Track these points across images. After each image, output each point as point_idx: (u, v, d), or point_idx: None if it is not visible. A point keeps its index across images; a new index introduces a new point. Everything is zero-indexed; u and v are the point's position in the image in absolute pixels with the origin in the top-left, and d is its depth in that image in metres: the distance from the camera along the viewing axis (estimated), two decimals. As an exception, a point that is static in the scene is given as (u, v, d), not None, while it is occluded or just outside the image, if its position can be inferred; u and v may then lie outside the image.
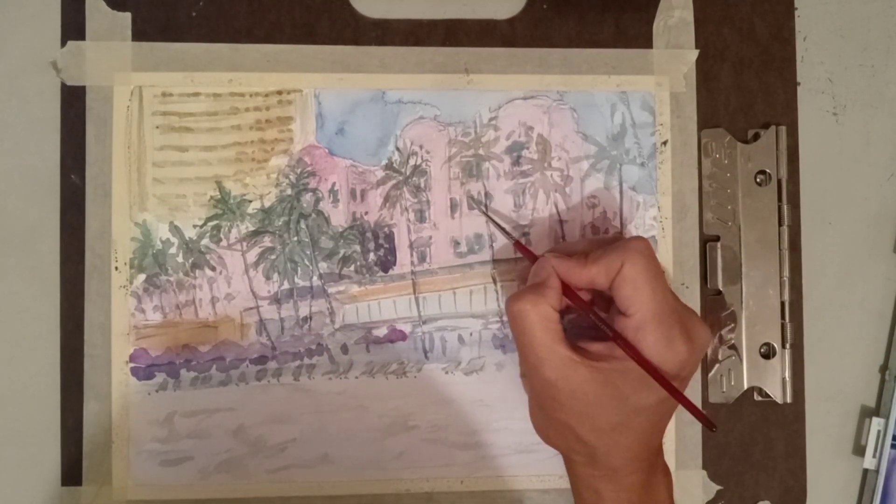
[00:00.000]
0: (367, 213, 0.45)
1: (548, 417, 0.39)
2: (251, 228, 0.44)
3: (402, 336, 0.44)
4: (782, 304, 0.45)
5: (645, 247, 0.38)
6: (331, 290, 0.44)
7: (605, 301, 0.41)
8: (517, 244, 0.43)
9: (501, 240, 0.45)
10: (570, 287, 0.39)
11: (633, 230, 0.45)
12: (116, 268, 0.43)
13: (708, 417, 0.38)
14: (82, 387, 0.43)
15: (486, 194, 0.45)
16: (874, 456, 0.46)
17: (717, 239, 0.45)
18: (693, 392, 0.45)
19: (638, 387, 0.37)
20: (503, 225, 0.44)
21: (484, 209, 0.44)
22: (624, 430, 0.38)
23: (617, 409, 0.38)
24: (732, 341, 0.45)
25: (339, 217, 0.44)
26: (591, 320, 0.39)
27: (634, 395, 0.37)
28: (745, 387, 0.45)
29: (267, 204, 0.44)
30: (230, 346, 0.44)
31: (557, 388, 0.37)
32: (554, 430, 0.40)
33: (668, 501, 0.40)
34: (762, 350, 0.45)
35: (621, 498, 0.39)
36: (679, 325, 0.38)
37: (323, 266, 0.44)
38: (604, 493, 0.39)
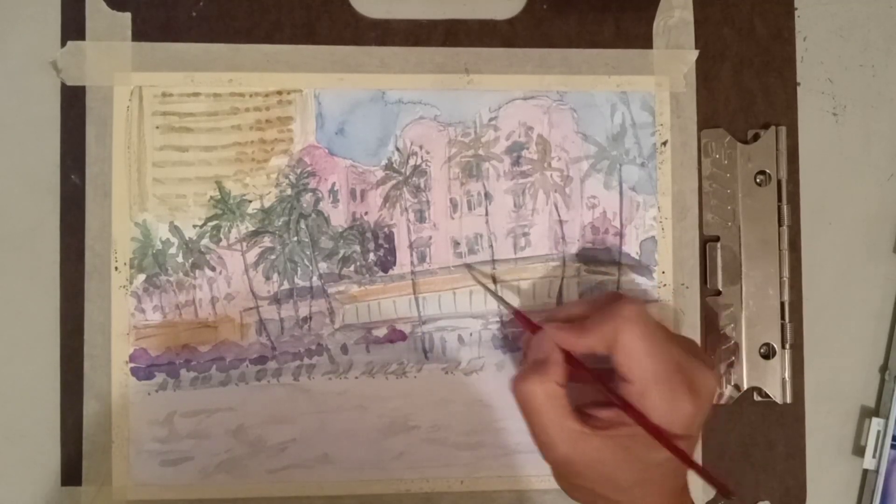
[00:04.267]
0: (366, 213, 0.45)
1: (570, 485, 0.40)
2: (251, 228, 0.44)
3: (402, 336, 0.44)
4: (782, 304, 0.45)
5: (636, 313, 0.37)
6: (331, 290, 0.44)
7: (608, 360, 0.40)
8: (517, 314, 0.42)
9: (501, 240, 0.45)
10: (573, 356, 0.39)
11: (633, 230, 0.45)
12: (116, 268, 0.43)
13: (722, 482, 0.37)
14: (82, 387, 0.43)
15: (486, 194, 0.45)
16: (874, 456, 0.46)
17: (717, 239, 0.45)
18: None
19: (650, 447, 0.37)
20: (500, 295, 0.44)
21: (481, 281, 0.44)
22: (645, 483, 0.38)
23: (634, 468, 0.38)
24: (732, 341, 0.45)
25: (338, 217, 0.44)
26: (598, 388, 0.38)
27: (648, 454, 0.37)
28: (745, 387, 0.45)
29: (267, 204, 0.44)
30: (230, 347, 0.44)
31: (573, 461, 0.37)
32: (578, 493, 0.40)
33: None
34: (762, 350, 0.45)
35: None
36: (683, 382, 0.37)
37: (323, 266, 0.44)
38: None
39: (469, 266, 0.45)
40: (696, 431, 0.39)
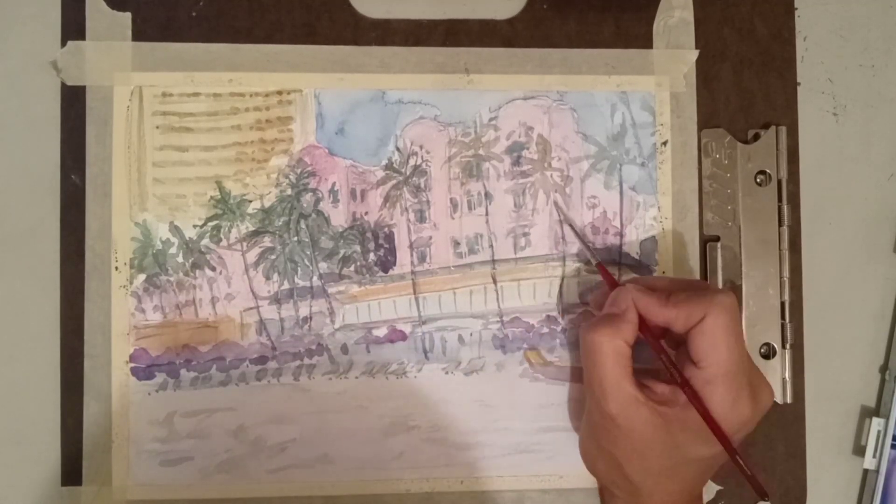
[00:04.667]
0: (367, 213, 0.45)
1: (599, 449, 0.40)
2: (251, 228, 0.44)
3: (402, 336, 0.44)
4: (782, 304, 0.45)
5: (731, 303, 0.37)
6: (331, 290, 0.44)
7: (675, 337, 0.40)
8: (600, 267, 0.42)
9: (501, 240, 0.45)
10: (646, 323, 0.39)
11: (633, 230, 0.45)
12: (116, 268, 0.43)
13: (760, 484, 0.38)
14: (82, 387, 0.43)
15: (487, 194, 0.45)
16: (874, 456, 0.46)
17: (718, 239, 0.45)
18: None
19: (694, 438, 0.37)
20: (589, 245, 0.44)
21: (571, 226, 0.44)
22: (672, 475, 0.38)
23: (669, 455, 0.38)
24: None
25: (339, 217, 0.44)
26: (662, 361, 0.39)
27: (689, 445, 0.38)
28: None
29: (267, 204, 0.44)
30: (230, 346, 0.44)
31: (616, 423, 0.38)
32: (602, 462, 0.40)
33: None
34: (762, 350, 0.45)
35: None
36: (748, 385, 0.37)
37: (323, 266, 0.44)
38: None
39: (559, 208, 0.44)
40: (738, 440, 0.39)
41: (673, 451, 0.38)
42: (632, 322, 0.38)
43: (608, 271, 0.43)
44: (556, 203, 0.44)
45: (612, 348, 0.37)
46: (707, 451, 0.38)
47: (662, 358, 0.39)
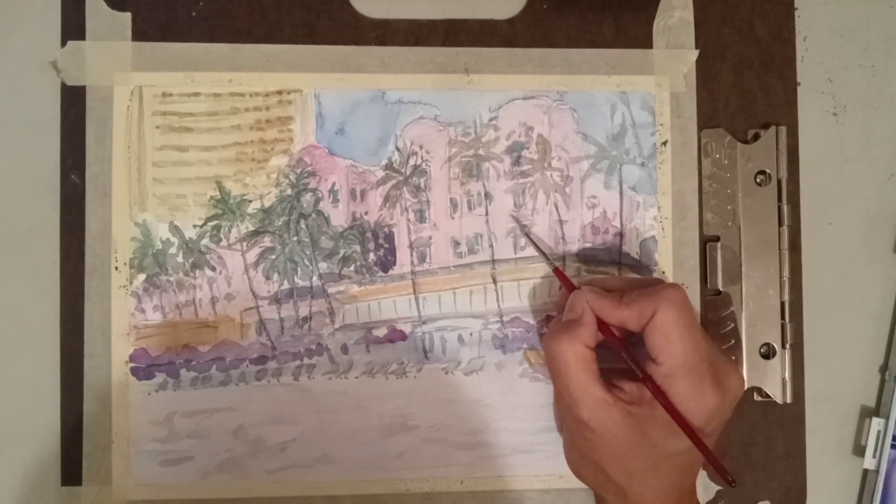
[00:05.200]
0: (367, 213, 0.45)
1: (581, 455, 0.40)
2: (251, 228, 0.44)
3: (402, 336, 0.44)
4: (782, 304, 0.45)
5: (679, 297, 0.38)
6: (331, 290, 0.44)
7: (640, 337, 0.41)
8: (557, 272, 0.43)
9: (501, 240, 0.45)
10: (605, 323, 0.39)
11: (633, 230, 0.45)
12: (116, 268, 0.43)
13: (728, 472, 0.38)
14: (82, 387, 0.43)
15: (487, 194, 0.45)
16: (874, 456, 0.46)
17: (717, 239, 0.45)
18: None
19: (667, 433, 0.38)
20: (543, 249, 0.44)
21: (526, 232, 0.44)
22: (654, 474, 0.38)
23: (647, 455, 0.38)
24: (732, 342, 0.45)
25: (339, 217, 0.44)
26: (624, 358, 0.39)
27: (662, 441, 0.38)
28: (746, 387, 0.45)
29: (267, 204, 0.44)
30: (230, 346, 0.44)
31: (590, 427, 0.38)
32: (587, 468, 0.40)
33: None
34: (762, 350, 0.45)
35: None
36: (710, 375, 0.38)
37: (323, 266, 0.44)
38: None
39: (516, 219, 0.45)
40: (713, 430, 0.39)
41: (649, 449, 0.38)
42: (589, 325, 0.39)
43: (565, 275, 0.43)
44: (511, 214, 0.45)
45: (574, 354, 0.38)
46: (680, 444, 0.38)
47: (623, 355, 0.39)
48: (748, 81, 0.46)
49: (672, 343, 0.37)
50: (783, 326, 0.45)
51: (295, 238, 0.44)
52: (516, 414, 0.45)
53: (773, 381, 0.45)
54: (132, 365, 0.43)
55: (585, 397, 0.38)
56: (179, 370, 0.44)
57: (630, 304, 0.38)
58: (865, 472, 0.46)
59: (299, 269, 0.44)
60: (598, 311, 0.39)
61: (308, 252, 0.44)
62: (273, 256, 0.44)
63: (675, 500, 0.39)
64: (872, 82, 0.48)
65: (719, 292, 0.45)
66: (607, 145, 0.45)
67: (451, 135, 0.45)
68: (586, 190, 0.45)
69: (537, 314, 0.45)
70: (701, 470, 0.45)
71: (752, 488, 0.45)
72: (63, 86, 0.44)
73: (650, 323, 0.38)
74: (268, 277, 0.44)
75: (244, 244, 0.44)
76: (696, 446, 0.37)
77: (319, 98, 0.44)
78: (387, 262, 0.45)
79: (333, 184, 0.44)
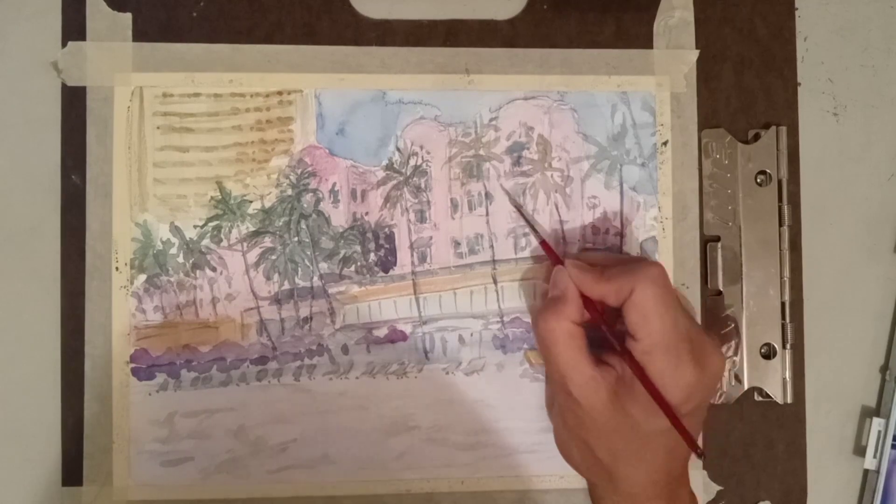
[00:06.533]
0: (367, 213, 0.45)
1: (571, 435, 0.40)
2: (252, 229, 0.44)
3: (403, 336, 0.44)
4: (782, 304, 0.45)
5: (657, 274, 0.38)
6: (331, 290, 0.44)
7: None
8: (543, 244, 0.43)
9: (501, 240, 0.45)
10: (588, 298, 0.39)
11: (633, 230, 0.45)
12: (117, 268, 0.43)
13: (696, 444, 0.38)
14: (83, 387, 0.43)
15: (487, 194, 0.45)
16: (875, 456, 0.46)
17: (718, 239, 0.45)
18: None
19: (648, 412, 0.38)
20: (533, 223, 0.44)
21: (518, 204, 0.44)
22: (640, 455, 0.38)
23: (631, 436, 0.38)
24: (733, 342, 0.45)
25: (339, 217, 0.44)
26: (603, 332, 0.39)
27: (645, 420, 0.38)
28: (746, 387, 0.45)
29: (267, 204, 0.44)
30: (231, 347, 0.44)
31: (579, 404, 0.38)
32: (576, 449, 0.40)
33: None
34: (762, 350, 0.45)
35: None
36: (689, 352, 0.38)
37: (323, 266, 0.44)
38: None
39: (506, 191, 0.45)
40: (693, 408, 0.39)
41: (633, 430, 0.38)
42: (574, 301, 0.39)
43: (552, 249, 0.43)
44: (501, 185, 0.45)
45: (562, 331, 0.38)
46: (661, 423, 0.38)
47: (603, 329, 0.39)
48: (748, 81, 0.46)
49: (650, 320, 0.37)
50: (783, 326, 0.45)
51: (295, 238, 0.44)
52: (517, 414, 0.45)
53: (773, 381, 0.45)
54: (133, 365, 0.43)
55: (574, 374, 0.38)
56: (180, 370, 0.44)
57: (610, 279, 0.38)
58: (866, 472, 0.46)
59: (300, 269, 0.44)
60: (580, 286, 0.39)
61: (308, 252, 0.44)
62: (274, 257, 0.44)
63: (665, 484, 0.39)
64: (873, 82, 0.48)
65: (720, 292, 0.45)
66: (608, 145, 0.45)
67: (452, 135, 0.45)
68: (587, 190, 0.45)
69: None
70: (701, 469, 0.45)
71: (752, 488, 0.45)
72: (63, 86, 0.44)
73: (629, 299, 0.38)
74: (268, 278, 0.44)
75: (245, 244, 0.44)
76: (663, 410, 0.37)
77: (320, 98, 0.44)
78: (387, 263, 0.45)
79: (334, 184, 0.44)
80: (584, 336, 0.39)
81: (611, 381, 0.38)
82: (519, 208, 0.44)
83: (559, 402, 0.40)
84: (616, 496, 0.40)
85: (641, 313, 0.37)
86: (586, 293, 0.39)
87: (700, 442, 0.44)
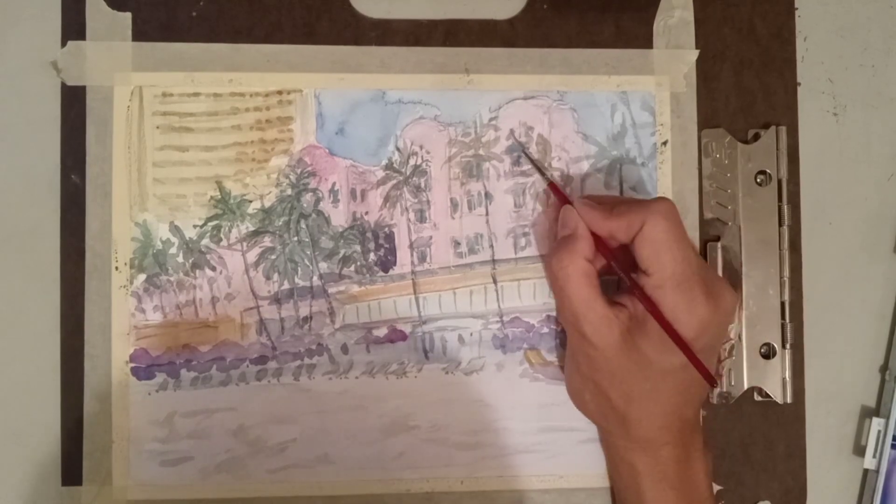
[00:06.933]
0: (367, 213, 0.45)
1: (583, 378, 0.40)
2: (251, 228, 0.44)
3: (403, 336, 0.44)
4: (782, 304, 0.45)
5: (668, 208, 0.38)
6: (331, 290, 0.44)
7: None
8: (551, 185, 0.43)
9: (501, 240, 0.45)
10: (598, 236, 0.40)
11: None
12: (117, 268, 0.43)
13: (710, 374, 0.38)
14: (82, 387, 0.43)
15: (487, 194, 0.45)
16: (874, 456, 0.46)
17: (718, 239, 0.45)
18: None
19: (661, 348, 0.38)
20: (540, 165, 0.45)
21: (524, 149, 0.45)
22: (653, 397, 0.38)
23: (644, 375, 0.38)
24: (733, 341, 0.45)
25: (339, 217, 0.44)
26: (613, 268, 0.39)
27: (658, 357, 0.38)
28: (746, 387, 0.45)
29: (267, 204, 0.44)
30: (230, 346, 0.44)
31: (593, 344, 0.38)
32: (589, 394, 0.40)
33: (705, 479, 0.40)
34: (762, 350, 0.45)
35: (656, 472, 0.39)
36: (701, 285, 0.38)
37: (323, 266, 0.44)
38: (639, 467, 0.39)
39: (514, 136, 0.45)
40: (705, 344, 0.38)
41: (645, 369, 0.38)
42: (585, 237, 0.39)
43: (560, 189, 0.43)
44: (511, 131, 0.45)
45: (575, 270, 0.38)
46: (675, 359, 0.38)
47: (613, 265, 0.39)
48: (748, 81, 0.46)
49: (661, 254, 0.37)
50: (783, 326, 0.45)
51: (295, 238, 0.44)
52: (516, 414, 0.45)
53: (773, 381, 0.45)
54: (132, 365, 0.43)
55: (587, 312, 0.38)
56: (180, 370, 0.44)
57: (620, 215, 0.39)
58: (866, 472, 0.46)
59: (299, 269, 0.44)
60: (589, 223, 0.39)
61: (308, 252, 0.44)
62: (273, 256, 0.44)
63: (678, 429, 0.39)
64: (872, 82, 0.48)
65: (719, 292, 0.45)
66: (607, 145, 0.45)
67: (452, 135, 0.45)
68: (586, 190, 0.45)
69: (537, 314, 0.45)
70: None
71: (752, 488, 0.45)
72: (63, 86, 0.44)
73: (639, 234, 0.38)
74: (268, 277, 0.44)
75: (244, 244, 0.44)
76: (677, 344, 0.37)
77: (319, 98, 0.44)
78: (387, 262, 0.45)
79: (334, 184, 0.44)
80: (598, 275, 0.39)
81: (623, 320, 0.38)
82: (525, 152, 0.44)
83: (572, 346, 0.40)
84: (629, 442, 0.39)
85: (653, 247, 0.37)
86: (595, 230, 0.39)
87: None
